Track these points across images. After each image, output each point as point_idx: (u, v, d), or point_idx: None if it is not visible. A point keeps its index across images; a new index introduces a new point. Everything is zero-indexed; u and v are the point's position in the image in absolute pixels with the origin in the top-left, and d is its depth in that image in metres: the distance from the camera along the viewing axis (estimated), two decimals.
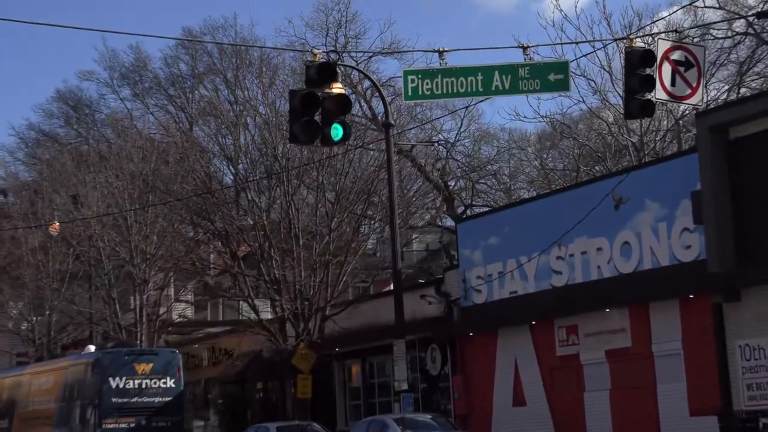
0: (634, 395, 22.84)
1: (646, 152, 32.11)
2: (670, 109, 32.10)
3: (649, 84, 15.54)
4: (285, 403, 33.27)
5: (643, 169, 24.29)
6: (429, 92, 16.23)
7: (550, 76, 16.25)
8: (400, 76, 17.14)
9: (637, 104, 15.64)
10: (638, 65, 15.54)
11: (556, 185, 36.91)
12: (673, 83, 15.87)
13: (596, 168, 35.94)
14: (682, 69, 15.85)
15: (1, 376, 37.22)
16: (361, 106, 40.60)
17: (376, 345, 29.81)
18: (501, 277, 26.57)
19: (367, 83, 39.93)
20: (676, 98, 16.08)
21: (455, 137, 41.82)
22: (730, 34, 32.33)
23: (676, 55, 15.87)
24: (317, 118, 15.65)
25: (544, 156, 42.34)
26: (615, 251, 23.63)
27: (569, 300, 24.38)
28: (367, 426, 24.13)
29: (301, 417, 29.85)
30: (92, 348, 32.29)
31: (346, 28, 41.89)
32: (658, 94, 15.79)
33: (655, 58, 15.60)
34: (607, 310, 23.61)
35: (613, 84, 32.62)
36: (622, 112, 17.63)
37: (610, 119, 34.24)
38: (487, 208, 38.54)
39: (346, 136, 16.01)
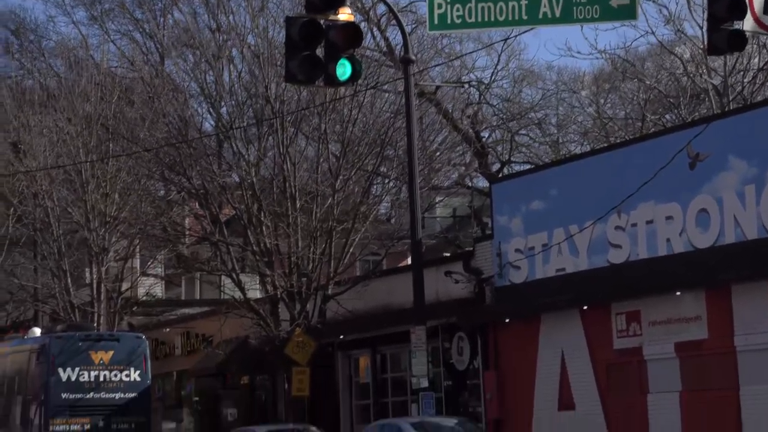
0: (711, 399, 22.88)
1: (730, 98, 31.97)
2: (762, 43, 31.90)
3: (739, 10, 15.40)
4: (277, 402, 33.56)
5: (727, 118, 24.17)
6: (460, 20, 16.20)
7: (613, 1, 16.18)
8: (424, 0, 17.08)
9: (724, 36, 15.53)
10: None
11: (615, 138, 36.85)
12: (766, 10, 15.74)
13: (667, 117, 35.84)
14: None
15: None
16: (374, 37, 40.47)
17: (389, 332, 29.97)
18: (545, 251, 26.60)
19: (381, 8, 39.75)
20: None
21: (491, 77, 41.69)
22: None
23: None
24: (319, 52, 15.61)
25: (602, 101, 42.19)
26: (689, 220, 23.60)
27: (630, 280, 24.39)
28: (379, 431, 24.27)
29: (296, 419, 30.09)
30: (38, 331, 32.55)
31: None
32: (746, 24, 15.68)
33: None
34: (678, 293, 23.62)
35: (690, 11, 32.41)
36: (702, 46, 17.51)
37: (686, 56, 34.06)
38: (530, 166, 38.54)
39: (355, 75, 16.00)
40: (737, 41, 15.66)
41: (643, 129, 35.38)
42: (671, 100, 35.49)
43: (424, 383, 25.09)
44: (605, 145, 34.16)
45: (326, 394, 32.68)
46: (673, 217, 23.93)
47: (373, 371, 32.42)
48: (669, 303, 23.79)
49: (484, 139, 41.28)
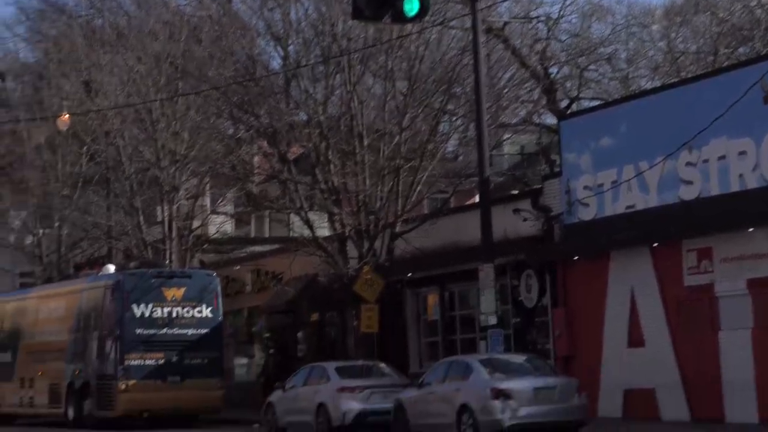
0: None
1: None
2: None
3: None
4: (345, 338, 33.76)
5: None
6: None
7: None
8: None
9: None
10: None
11: (687, 72, 36.31)
12: None
13: (740, 50, 35.18)
14: None
15: (2, 299, 38.34)
16: None
17: (457, 270, 29.98)
18: (615, 188, 26.39)
19: None
20: None
21: (559, 12, 41.13)
22: None
23: None
24: None
25: (673, 35, 41.52)
26: (763, 156, 23.26)
27: (702, 217, 24.15)
28: (447, 368, 24.37)
29: (365, 356, 30.29)
30: (112, 268, 33.04)
31: None
32: None
33: None
34: (751, 229, 23.37)
35: None
36: None
37: None
38: (599, 102, 38.10)
39: (422, 11, 15.88)
40: None
41: (716, 63, 34.81)
42: (745, 32, 34.83)
43: (493, 320, 25.14)
44: (676, 80, 33.64)
45: (395, 331, 32.85)
46: (746, 152, 23.60)
47: (441, 309, 32.51)
48: (741, 239, 23.56)
49: (552, 76, 40.81)
